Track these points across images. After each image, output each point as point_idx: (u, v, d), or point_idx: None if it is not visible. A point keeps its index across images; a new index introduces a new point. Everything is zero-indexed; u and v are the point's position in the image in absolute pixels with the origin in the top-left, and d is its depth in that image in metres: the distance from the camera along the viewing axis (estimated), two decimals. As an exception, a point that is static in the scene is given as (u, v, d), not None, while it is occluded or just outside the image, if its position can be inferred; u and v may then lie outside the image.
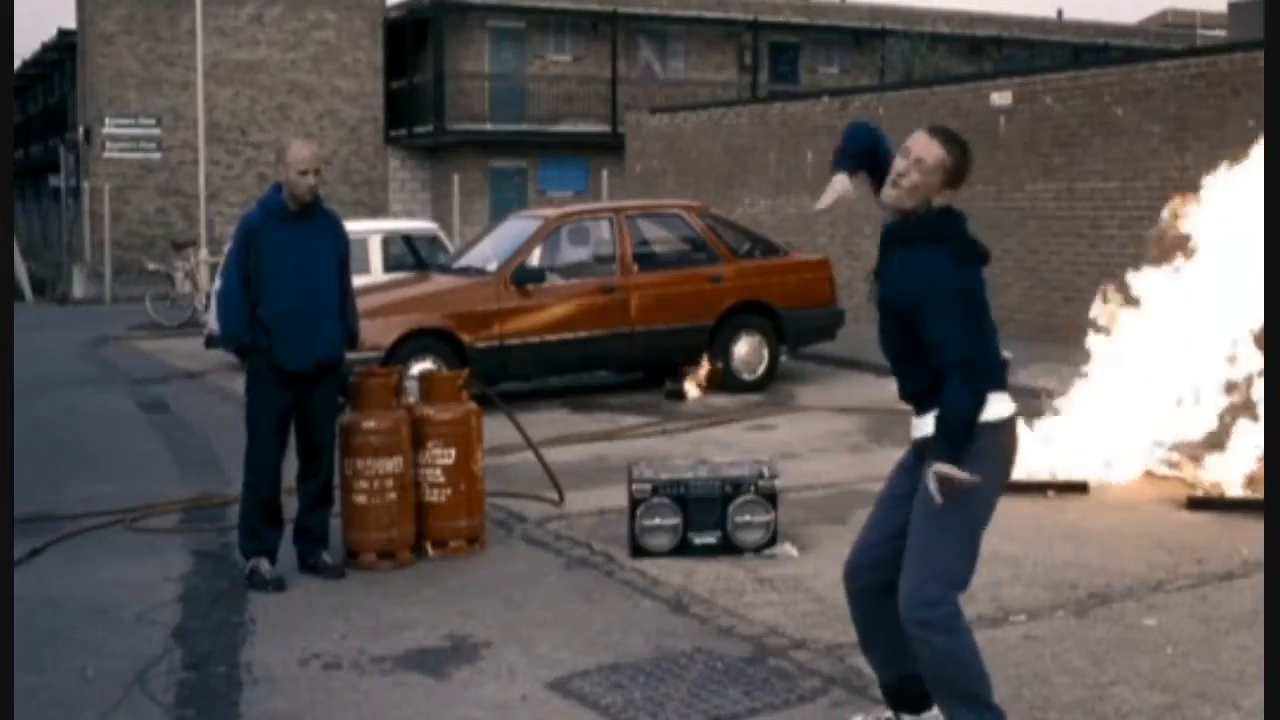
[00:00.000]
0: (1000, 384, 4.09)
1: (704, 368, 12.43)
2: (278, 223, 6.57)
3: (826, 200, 4.29)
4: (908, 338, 4.08)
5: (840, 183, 4.29)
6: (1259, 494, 7.28)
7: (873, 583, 4.28)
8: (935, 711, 4.36)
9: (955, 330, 3.96)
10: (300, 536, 6.82)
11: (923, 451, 4.13)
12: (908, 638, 4.09)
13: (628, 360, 12.78)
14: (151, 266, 25.23)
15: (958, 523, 4.04)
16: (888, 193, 4.11)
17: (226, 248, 6.94)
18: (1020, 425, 4.26)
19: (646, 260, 12.76)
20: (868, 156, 4.33)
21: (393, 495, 6.80)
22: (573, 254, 13.19)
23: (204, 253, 24.31)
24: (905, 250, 4.07)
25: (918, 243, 4.05)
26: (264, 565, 6.54)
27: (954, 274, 4.02)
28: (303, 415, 6.69)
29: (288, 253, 6.55)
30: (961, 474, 3.92)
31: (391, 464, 6.79)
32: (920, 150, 4.05)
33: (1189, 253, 8.48)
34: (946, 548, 4.05)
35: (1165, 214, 8.82)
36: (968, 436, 3.95)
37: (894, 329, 4.14)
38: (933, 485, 3.96)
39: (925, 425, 4.10)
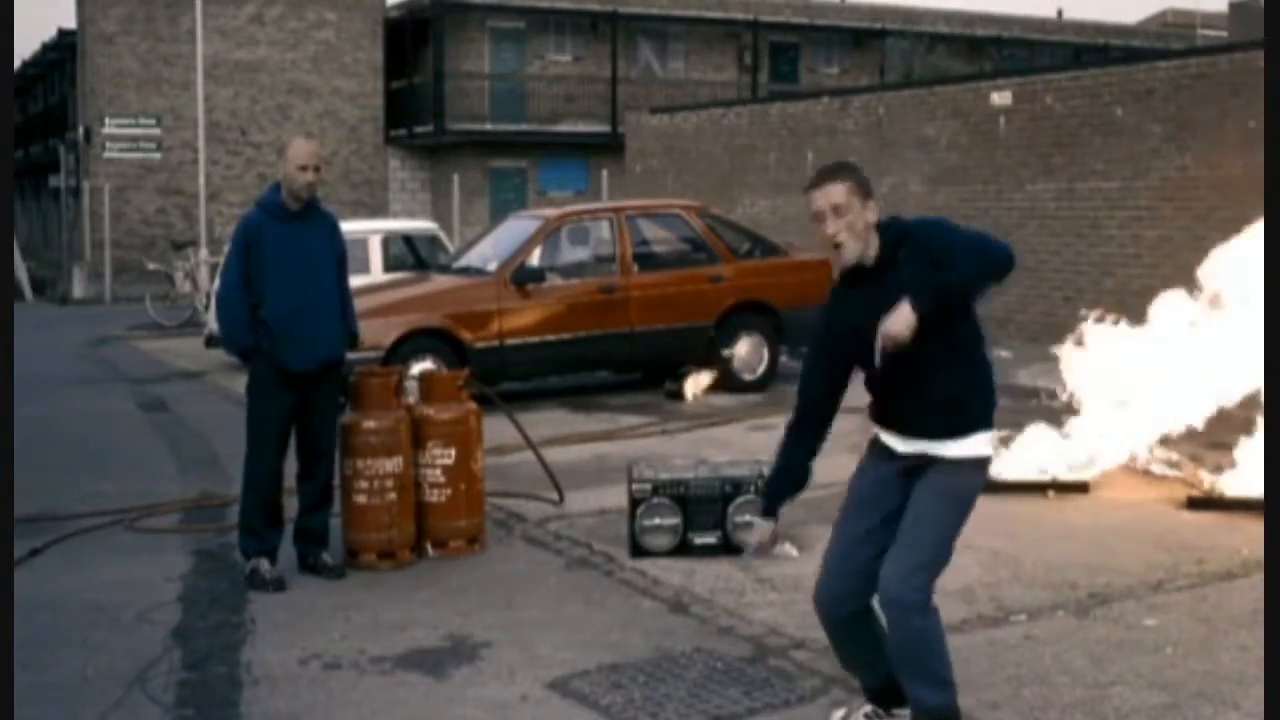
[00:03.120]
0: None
1: (706, 373, 12.43)
2: (278, 222, 6.56)
3: (758, 543, 4.52)
4: (939, 333, 4.09)
5: (764, 531, 4.48)
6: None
7: (854, 608, 4.36)
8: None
9: (972, 236, 4.14)
10: (300, 537, 6.81)
11: (914, 468, 4.27)
12: (885, 618, 4.20)
13: (628, 360, 12.78)
14: (151, 266, 25.25)
15: (954, 525, 4.24)
16: (845, 256, 4.18)
17: (227, 248, 6.90)
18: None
19: (646, 260, 12.76)
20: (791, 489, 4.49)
21: (393, 495, 6.79)
22: (573, 254, 13.20)
23: (204, 253, 24.34)
24: (898, 266, 4.13)
25: (892, 260, 4.16)
26: (264, 565, 6.54)
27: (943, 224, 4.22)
28: (304, 416, 6.68)
29: (290, 252, 6.53)
30: (906, 321, 3.99)
31: (391, 464, 6.79)
32: (826, 201, 4.15)
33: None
34: (943, 544, 4.22)
35: None
36: (946, 299, 4.04)
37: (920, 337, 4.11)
38: (897, 323, 4.00)
39: (941, 449, 4.23)
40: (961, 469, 4.24)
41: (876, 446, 4.43)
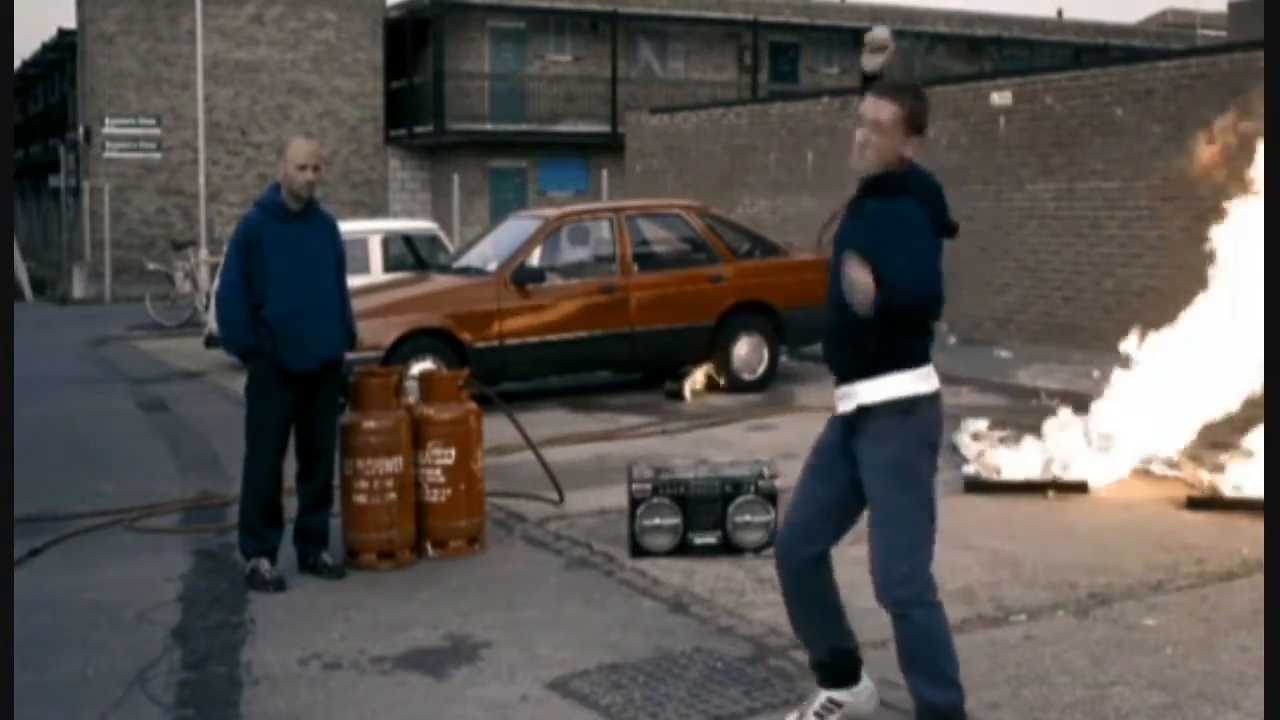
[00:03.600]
0: (926, 359, 4.20)
1: (703, 369, 12.44)
2: (278, 222, 6.56)
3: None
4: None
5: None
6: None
7: (806, 556, 4.38)
8: (864, 683, 4.52)
9: (926, 261, 4.01)
10: (300, 536, 6.81)
11: (853, 426, 4.21)
12: (890, 618, 4.18)
13: (628, 360, 12.77)
14: (151, 266, 25.24)
15: (911, 500, 4.15)
16: (857, 163, 4.19)
17: (226, 247, 6.90)
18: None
19: (646, 260, 12.75)
20: None
21: (393, 495, 6.79)
22: (573, 254, 13.18)
23: (204, 252, 24.33)
24: (876, 202, 4.13)
25: (889, 195, 4.12)
26: (264, 565, 6.54)
27: (920, 216, 4.08)
28: (304, 416, 6.68)
29: (291, 252, 6.53)
30: (862, 276, 3.94)
31: (391, 464, 6.78)
32: (873, 112, 4.15)
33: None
34: (906, 524, 4.14)
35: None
36: (899, 304, 3.95)
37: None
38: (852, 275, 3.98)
39: (861, 393, 4.16)
40: (884, 426, 4.12)
41: (830, 423, 4.39)
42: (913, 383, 4.15)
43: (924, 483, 4.19)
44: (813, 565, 4.39)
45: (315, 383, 6.63)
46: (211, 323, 15.08)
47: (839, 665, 4.50)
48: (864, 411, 4.17)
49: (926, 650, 4.16)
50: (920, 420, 4.17)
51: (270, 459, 6.61)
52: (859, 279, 3.94)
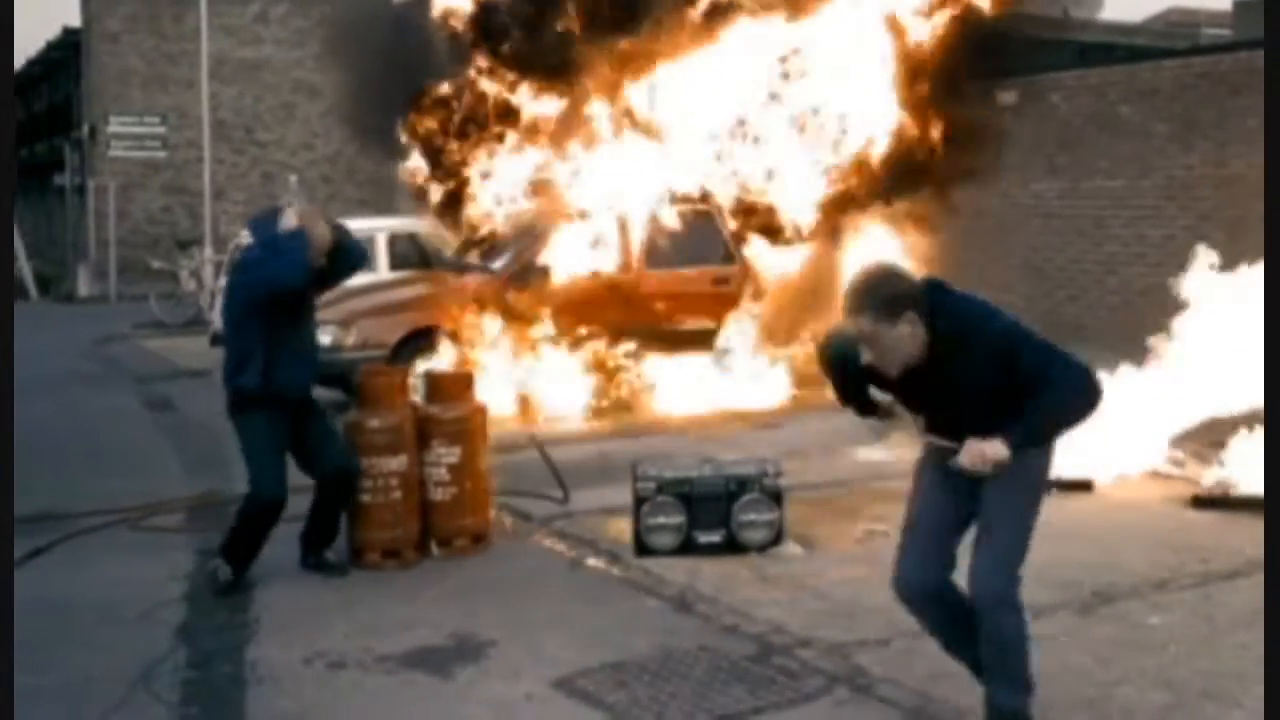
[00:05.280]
0: None
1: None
2: None
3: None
4: (1001, 399, 4.16)
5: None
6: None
7: (939, 586, 4.42)
8: None
9: (1054, 358, 4.18)
10: (306, 538, 6.81)
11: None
12: (979, 618, 4.27)
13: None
14: (156, 265, 25.22)
15: (1028, 509, 4.32)
16: (889, 371, 4.26)
17: (233, 244, 6.88)
18: None
19: (655, 258, 12.65)
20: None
21: (398, 494, 6.80)
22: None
23: (209, 251, 24.30)
24: (963, 354, 4.17)
25: (962, 340, 4.17)
26: (224, 570, 6.52)
27: (1000, 318, 4.25)
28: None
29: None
30: (1000, 453, 4.09)
31: (396, 462, 6.79)
32: (858, 328, 4.18)
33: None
34: (1020, 535, 4.31)
35: None
36: (1046, 439, 4.21)
37: (980, 406, 4.20)
38: (969, 460, 4.12)
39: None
40: (1023, 455, 4.26)
41: (936, 451, 4.44)
42: None
43: (1039, 500, 4.36)
44: (944, 589, 4.43)
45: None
46: (216, 321, 15.04)
47: None
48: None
49: (1010, 651, 4.29)
50: (1048, 454, 4.35)
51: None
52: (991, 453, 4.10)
